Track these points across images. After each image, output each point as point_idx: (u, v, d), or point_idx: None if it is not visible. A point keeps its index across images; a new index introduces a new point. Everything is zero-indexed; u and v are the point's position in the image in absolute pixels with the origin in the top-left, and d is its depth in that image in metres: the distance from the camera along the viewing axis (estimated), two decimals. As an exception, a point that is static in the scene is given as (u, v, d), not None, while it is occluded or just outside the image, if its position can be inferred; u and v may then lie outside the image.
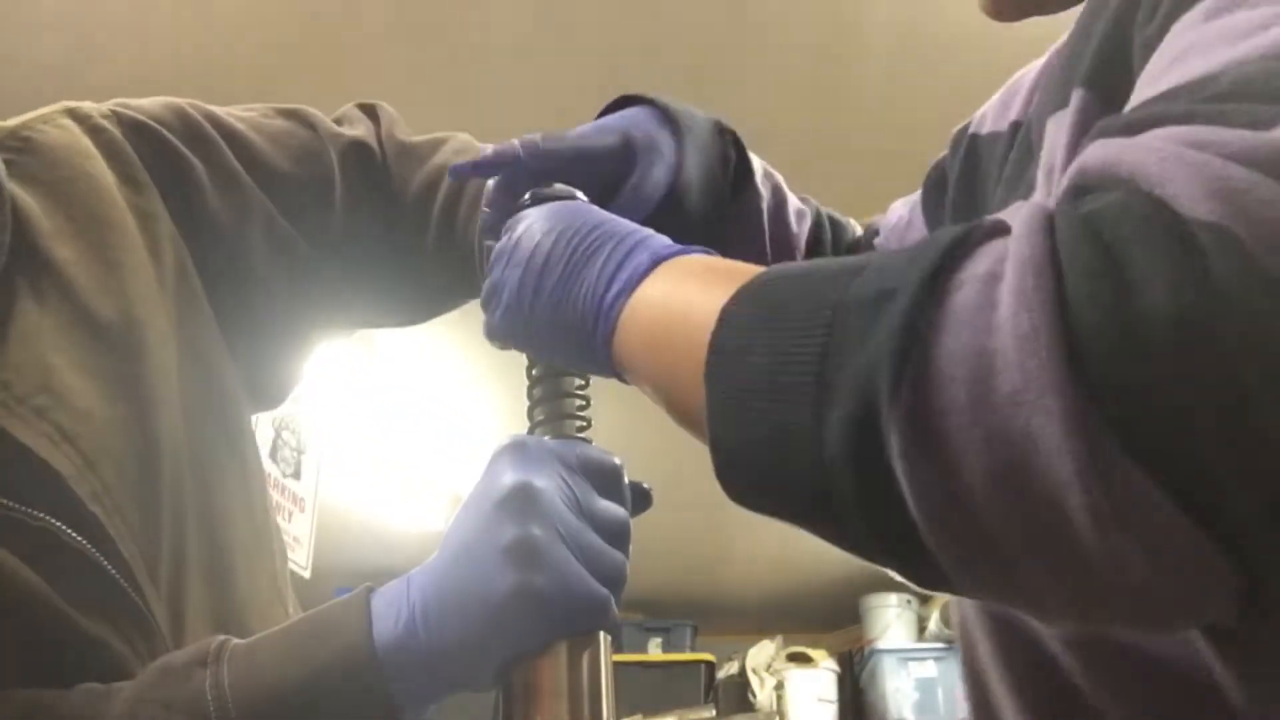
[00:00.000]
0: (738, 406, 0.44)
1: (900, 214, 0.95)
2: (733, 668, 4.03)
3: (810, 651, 4.05)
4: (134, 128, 0.78)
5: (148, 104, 0.81)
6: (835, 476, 0.39)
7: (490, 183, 0.76)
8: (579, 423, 0.65)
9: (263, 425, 2.76)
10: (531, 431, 0.65)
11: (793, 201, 0.90)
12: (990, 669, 0.66)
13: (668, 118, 0.77)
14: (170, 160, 0.78)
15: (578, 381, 0.66)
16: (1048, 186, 0.56)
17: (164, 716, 0.57)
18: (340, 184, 0.86)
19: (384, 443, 3.63)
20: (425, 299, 0.93)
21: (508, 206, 0.68)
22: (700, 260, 0.57)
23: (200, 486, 0.74)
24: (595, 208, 0.64)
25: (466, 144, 0.89)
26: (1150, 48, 0.47)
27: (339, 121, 0.90)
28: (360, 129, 0.90)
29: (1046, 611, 0.39)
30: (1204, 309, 0.32)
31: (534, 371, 0.66)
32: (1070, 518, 0.34)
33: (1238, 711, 0.47)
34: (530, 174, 0.72)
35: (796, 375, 0.40)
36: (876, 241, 0.95)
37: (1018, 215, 0.38)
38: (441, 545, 0.61)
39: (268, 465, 2.66)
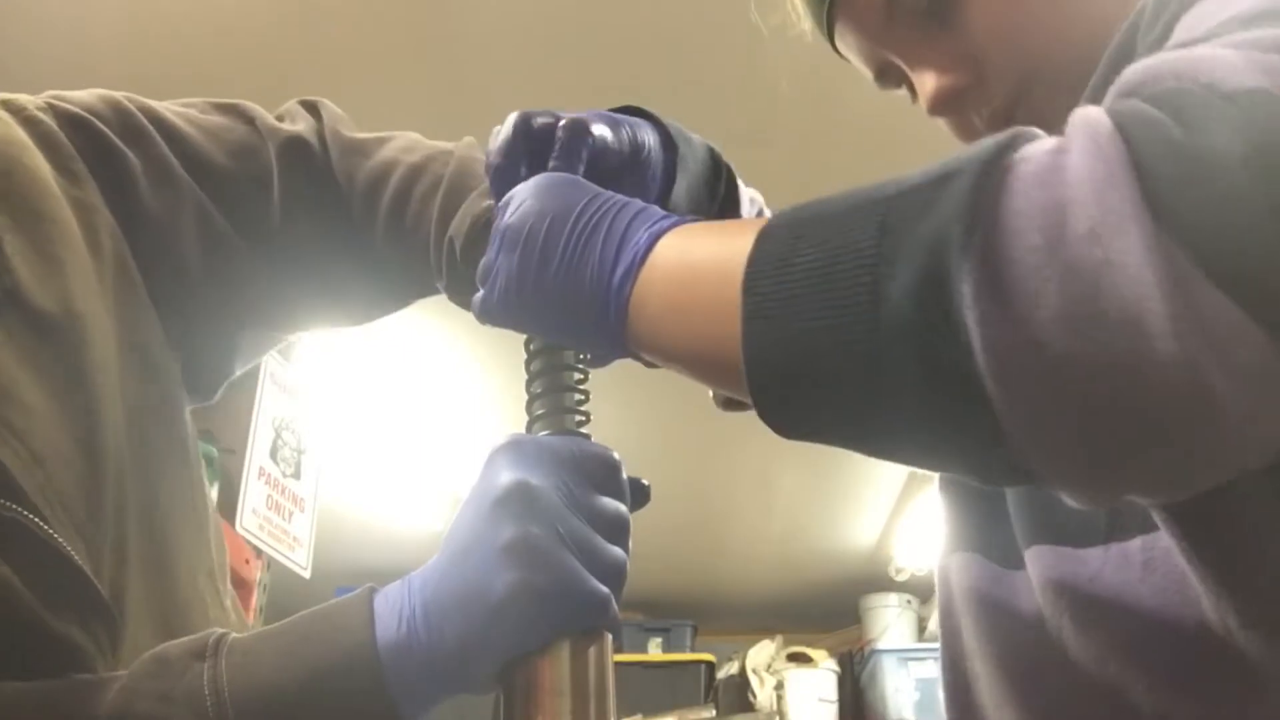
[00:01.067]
0: (783, 311, 0.45)
1: None
2: (733, 668, 4.04)
3: (810, 651, 4.05)
4: (69, 120, 0.77)
5: (83, 96, 0.80)
6: (896, 347, 0.41)
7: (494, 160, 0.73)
8: (578, 418, 0.64)
9: (263, 425, 2.76)
10: (530, 427, 0.65)
11: None
12: (975, 652, 0.66)
13: (667, 138, 0.74)
14: (104, 152, 0.77)
15: (576, 376, 0.65)
16: None
17: (160, 708, 0.57)
18: (278, 180, 0.84)
19: (384, 443, 3.63)
20: (376, 296, 0.91)
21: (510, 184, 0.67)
22: (702, 223, 0.58)
23: (142, 480, 0.73)
24: (583, 180, 0.63)
25: (415, 141, 0.87)
26: (1161, 42, 0.51)
27: (280, 118, 0.89)
28: (301, 125, 0.88)
29: (1114, 456, 0.40)
30: (1257, 143, 0.37)
31: (532, 367, 0.66)
32: (1150, 331, 0.36)
33: (1252, 671, 0.50)
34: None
35: (850, 265, 0.43)
36: None
37: (1077, 115, 0.42)
38: (442, 546, 0.60)
39: (268, 465, 2.66)
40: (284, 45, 2.14)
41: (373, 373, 3.24)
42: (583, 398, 0.65)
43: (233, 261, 0.82)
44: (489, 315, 0.64)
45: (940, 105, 0.71)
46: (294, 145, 0.86)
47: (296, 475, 2.91)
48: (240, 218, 0.83)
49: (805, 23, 0.79)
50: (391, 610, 0.59)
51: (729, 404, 0.79)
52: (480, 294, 0.64)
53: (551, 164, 0.66)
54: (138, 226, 0.78)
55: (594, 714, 0.57)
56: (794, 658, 4.03)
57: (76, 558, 0.64)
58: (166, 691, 0.57)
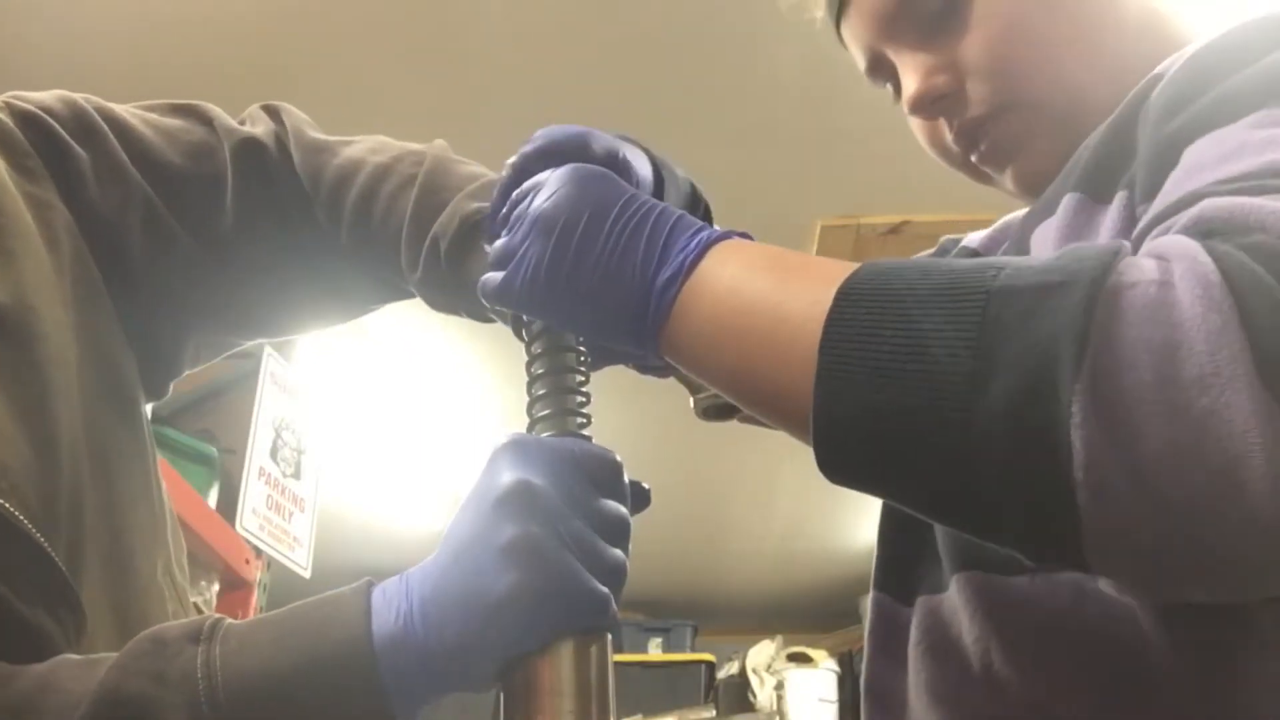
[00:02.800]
0: (866, 381, 0.47)
1: None
2: (733, 668, 4.04)
3: (810, 651, 4.05)
4: (23, 117, 0.78)
5: (40, 95, 0.81)
6: (991, 442, 0.43)
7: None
8: (579, 419, 0.64)
9: (263, 425, 2.75)
10: (531, 428, 0.65)
11: None
12: (905, 682, 0.69)
13: (656, 171, 0.76)
14: (57, 149, 0.78)
15: (578, 377, 0.65)
16: None
17: (153, 689, 0.57)
18: (232, 181, 0.84)
19: (384, 443, 3.63)
20: (339, 300, 0.91)
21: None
22: (754, 247, 0.58)
23: (99, 473, 0.73)
24: (617, 177, 0.63)
25: (382, 142, 0.86)
26: (1175, 144, 0.55)
27: (241, 121, 0.89)
28: (259, 127, 0.87)
29: (1186, 579, 0.44)
30: None
31: (533, 368, 0.66)
32: (1246, 485, 0.40)
33: (1168, 679, 0.54)
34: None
35: (945, 353, 0.45)
36: None
37: (1159, 242, 0.46)
38: (441, 544, 0.60)
39: (268, 465, 2.66)
40: (284, 45, 2.14)
41: (373, 373, 3.24)
42: (584, 399, 0.65)
43: (181, 262, 0.82)
44: (507, 297, 0.63)
45: (918, 105, 0.74)
46: (250, 146, 0.85)
47: (296, 475, 2.91)
48: (192, 219, 0.82)
49: (819, 7, 0.81)
50: (389, 605, 0.59)
51: (711, 414, 0.80)
52: (499, 275, 0.63)
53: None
54: (89, 223, 0.78)
55: (594, 714, 0.57)
56: (794, 658, 4.03)
57: (47, 546, 0.64)
58: (160, 672, 0.58)
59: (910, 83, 0.74)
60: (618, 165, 0.67)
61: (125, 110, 0.84)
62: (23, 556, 0.64)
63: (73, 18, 2.06)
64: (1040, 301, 0.44)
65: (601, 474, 0.61)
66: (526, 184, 0.65)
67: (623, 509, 0.62)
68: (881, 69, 0.78)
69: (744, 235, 0.60)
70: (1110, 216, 0.60)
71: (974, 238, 0.86)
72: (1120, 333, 0.42)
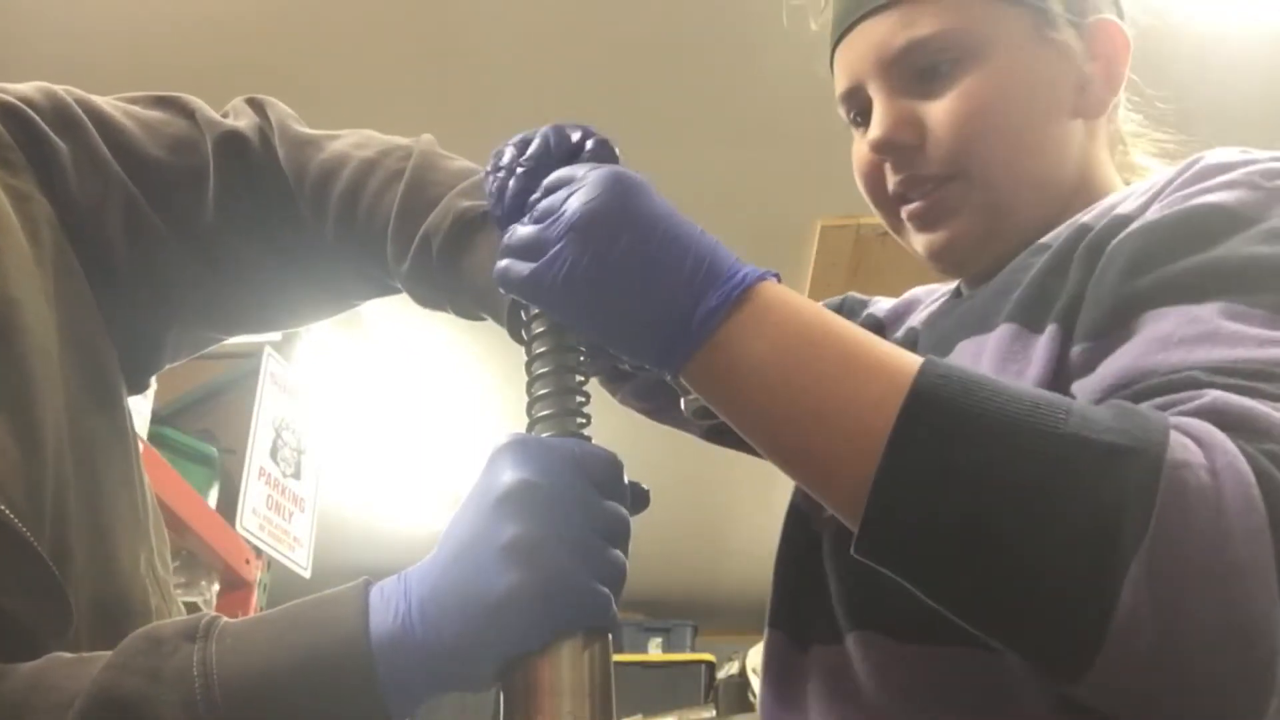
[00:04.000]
0: (931, 486, 0.52)
1: None
2: (733, 668, 4.03)
3: (810, 651, 4.04)
4: (4, 110, 0.77)
5: (21, 87, 0.80)
6: (1054, 569, 0.50)
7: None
8: (580, 419, 0.64)
9: (263, 425, 2.75)
10: (531, 428, 0.64)
11: None
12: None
13: None
14: (37, 141, 0.77)
15: (578, 379, 0.65)
16: None
17: (148, 687, 0.57)
18: (214, 174, 0.82)
19: (384, 443, 3.63)
20: (322, 296, 0.89)
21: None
22: (801, 299, 0.60)
23: (83, 466, 0.72)
24: (653, 189, 0.63)
25: (368, 136, 0.85)
26: (1135, 305, 0.61)
27: (225, 115, 0.88)
28: (243, 120, 0.86)
29: (1174, 705, 0.51)
30: None
31: (534, 368, 0.65)
32: (1257, 656, 0.49)
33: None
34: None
35: (1022, 476, 0.50)
36: None
37: (1189, 425, 0.52)
38: (440, 543, 0.60)
39: (268, 465, 2.66)
40: (284, 45, 2.14)
41: (373, 373, 3.24)
42: (585, 399, 0.65)
43: (161, 255, 0.81)
44: (533, 292, 0.62)
45: (881, 147, 0.79)
46: (233, 140, 0.84)
47: (296, 475, 2.91)
48: (173, 212, 0.81)
49: (826, 13, 0.85)
50: (387, 604, 0.59)
51: (702, 414, 0.80)
52: (526, 266, 0.61)
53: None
54: (68, 215, 0.77)
55: (594, 714, 0.57)
56: (794, 658, 4.03)
57: (33, 540, 0.64)
58: (155, 670, 0.57)
59: (882, 123, 0.78)
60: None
61: (106, 102, 0.83)
62: (8, 551, 0.63)
63: (72, 18, 2.06)
64: (1113, 461, 0.50)
65: (602, 474, 0.61)
66: (555, 175, 0.65)
67: (623, 509, 0.61)
68: (856, 99, 0.82)
69: (776, 275, 0.61)
70: (1042, 346, 0.67)
71: (880, 306, 0.94)
72: (1179, 514, 0.48)
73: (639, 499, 0.64)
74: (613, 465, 0.62)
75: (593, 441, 0.63)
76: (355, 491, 3.87)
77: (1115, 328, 0.62)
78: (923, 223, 0.80)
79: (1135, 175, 0.84)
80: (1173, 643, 0.48)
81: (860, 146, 0.82)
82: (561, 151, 0.68)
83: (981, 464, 0.51)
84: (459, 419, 3.46)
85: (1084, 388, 0.62)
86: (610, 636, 0.59)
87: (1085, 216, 0.73)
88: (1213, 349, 0.57)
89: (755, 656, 4.00)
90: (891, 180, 0.80)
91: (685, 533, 3.93)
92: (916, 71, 0.77)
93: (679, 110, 2.29)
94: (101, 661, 0.58)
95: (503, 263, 0.63)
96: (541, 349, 0.65)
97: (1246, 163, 0.66)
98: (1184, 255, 0.62)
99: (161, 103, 0.86)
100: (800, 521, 0.81)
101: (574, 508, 0.58)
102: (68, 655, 0.61)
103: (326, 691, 0.58)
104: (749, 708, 3.85)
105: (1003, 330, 0.70)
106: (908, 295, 0.94)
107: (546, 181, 0.65)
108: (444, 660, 0.58)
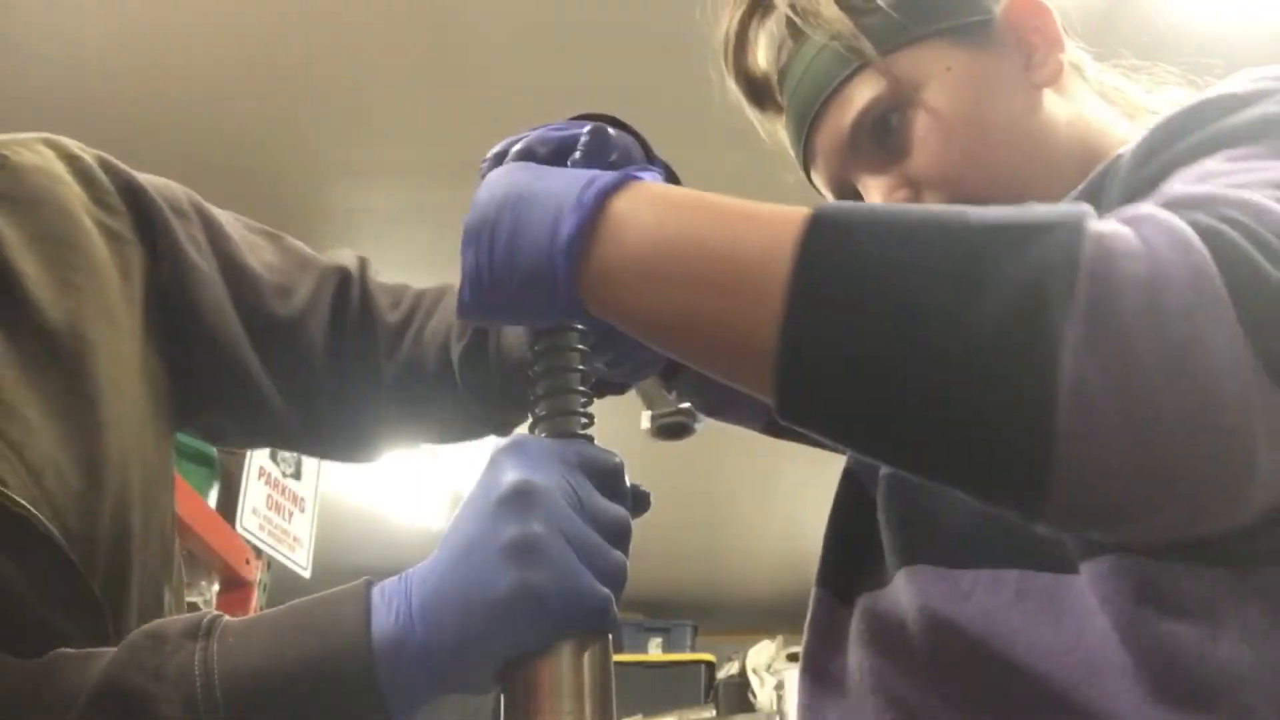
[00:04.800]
0: (842, 309, 0.48)
1: None
2: (733, 668, 4.04)
3: (810, 651, 4.04)
4: (107, 165, 0.81)
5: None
6: (975, 363, 0.45)
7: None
8: (582, 420, 0.64)
9: (263, 425, 2.75)
10: (533, 429, 0.64)
11: None
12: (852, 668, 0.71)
13: (648, 154, 0.76)
14: (136, 196, 0.81)
15: (580, 378, 0.65)
16: None
17: (150, 684, 0.57)
18: (316, 312, 0.87)
19: (384, 443, 3.62)
20: (390, 431, 0.94)
21: None
22: (664, 187, 0.59)
23: (144, 506, 0.75)
24: (531, 164, 0.63)
25: (442, 289, 0.90)
26: (1152, 181, 0.58)
27: (326, 254, 0.93)
28: (347, 259, 0.92)
29: (1158, 497, 0.46)
30: None
31: (535, 368, 0.65)
32: (1222, 402, 0.44)
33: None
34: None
35: (932, 276, 0.46)
36: None
37: (1121, 211, 0.49)
38: (441, 544, 0.60)
39: (268, 465, 2.67)
40: (288, 49, 2.14)
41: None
42: (586, 400, 0.65)
43: (239, 368, 0.84)
44: (463, 313, 0.63)
45: None
46: (336, 272, 0.89)
47: (296, 475, 2.91)
48: (264, 343, 0.85)
49: (791, 158, 0.90)
50: (388, 605, 0.59)
51: (664, 434, 0.83)
52: (464, 294, 0.62)
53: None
54: (162, 266, 0.81)
55: (594, 714, 0.57)
56: (794, 658, 4.03)
57: (80, 566, 0.66)
58: (157, 668, 0.58)
59: (873, 200, 0.81)
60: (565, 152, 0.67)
61: (219, 211, 0.88)
62: (59, 575, 0.66)
63: (73, 18, 2.06)
64: (1028, 235, 0.46)
65: (603, 475, 0.61)
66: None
67: (624, 511, 0.62)
68: (847, 197, 0.85)
69: (652, 169, 0.61)
70: None
71: None
72: (1109, 266, 0.45)
73: (640, 501, 0.65)
74: (614, 466, 0.62)
75: (595, 442, 0.63)
76: (355, 491, 3.87)
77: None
78: None
79: (1149, 114, 0.83)
80: (1129, 401, 0.43)
81: None
82: (548, 151, 0.68)
83: (888, 271, 0.47)
84: (459, 419, 3.46)
85: None
86: (610, 637, 0.59)
87: (1123, 148, 0.71)
88: (1200, 184, 0.54)
89: (755, 656, 4.01)
90: None
91: (685, 533, 3.93)
92: (875, 141, 0.80)
93: (679, 110, 2.29)
94: (107, 658, 0.59)
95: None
96: (542, 349, 0.65)
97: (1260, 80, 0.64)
98: (1187, 135, 0.61)
99: (268, 235, 0.91)
100: (854, 483, 0.80)
101: (575, 508, 0.58)
102: (74, 651, 0.61)
103: (326, 692, 0.58)
104: (749, 708, 3.85)
105: None
106: None
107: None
108: (444, 661, 0.58)
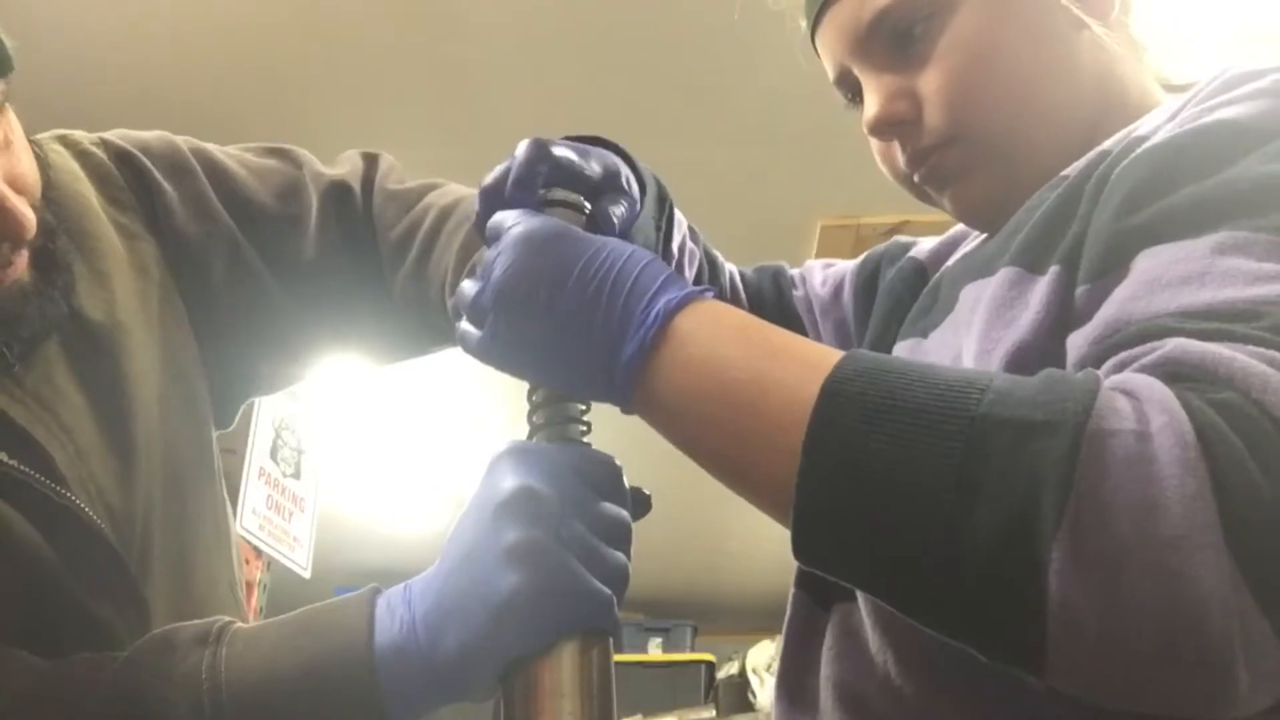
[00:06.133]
0: (849, 487, 0.49)
1: (824, 283, 0.99)
2: (733, 668, 4.04)
3: (810, 651, 4.04)
4: (118, 154, 0.84)
5: (141, 134, 0.87)
6: (968, 571, 0.46)
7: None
8: (580, 426, 0.64)
9: (263, 425, 2.75)
10: (532, 435, 0.65)
11: (690, 249, 0.90)
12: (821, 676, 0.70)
13: (634, 171, 0.75)
14: (147, 185, 0.84)
15: None
16: (956, 340, 0.67)
17: (159, 687, 0.59)
18: (316, 219, 0.89)
19: (384, 443, 3.63)
20: (390, 342, 0.96)
21: (497, 205, 0.67)
22: (722, 312, 0.59)
23: (171, 485, 0.78)
24: (570, 230, 0.62)
25: (457, 192, 0.89)
26: (1130, 245, 0.56)
27: (334, 165, 0.95)
28: (346, 169, 0.94)
29: (1132, 702, 0.47)
30: None
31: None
32: (1209, 639, 0.44)
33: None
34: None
35: (932, 472, 0.47)
36: (796, 295, 0.99)
37: (1131, 381, 0.48)
38: (443, 552, 0.61)
39: (268, 465, 2.67)
40: (290, 46, 2.14)
41: (372, 372, 3.24)
42: (585, 406, 0.65)
43: (261, 295, 0.88)
44: (486, 358, 0.63)
45: (876, 128, 0.76)
46: (336, 188, 0.91)
47: (296, 475, 2.92)
48: (273, 254, 0.88)
49: (800, 15, 0.83)
50: (391, 613, 0.60)
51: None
52: (476, 333, 0.62)
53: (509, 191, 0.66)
54: (173, 253, 0.84)
55: (595, 715, 0.57)
56: (794, 658, 4.03)
57: (121, 551, 0.70)
58: (168, 671, 0.60)
59: (872, 104, 0.76)
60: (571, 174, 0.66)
61: (220, 150, 0.90)
62: (102, 563, 0.70)
63: (72, 18, 2.06)
64: (1024, 440, 0.46)
65: (602, 479, 0.61)
66: (494, 220, 0.64)
67: (624, 513, 0.62)
68: (846, 83, 0.81)
69: (709, 288, 0.60)
70: (1041, 289, 0.62)
71: (923, 248, 0.89)
72: (1101, 486, 0.44)
73: (641, 503, 0.65)
74: (612, 469, 0.62)
75: (592, 447, 0.64)
76: (355, 492, 3.87)
77: (1113, 268, 0.57)
78: (937, 186, 0.77)
79: (1172, 87, 0.78)
80: (1114, 629, 0.44)
81: (872, 143, 0.80)
82: (529, 172, 0.67)
83: (890, 462, 0.48)
84: (459, 417, 3.46)
85: (1076, 340, 0.57)
86: (611, 639, 0.59)
87: (1108, 141, 0.67)
88: (1198, 291, 0.52)
89: (755, 656, 4.01)
90: (901, 157, 0.78)
91: (685, 533, 3.93)
92: (892, 42, 0.75)
93: (679, 109, 2.30)
94: (120, 660, 0.61)
95: (459, 324, 0.64)
96: None
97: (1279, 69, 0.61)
98: (1186, 183, 0.57)
99: (273, 153, 0.94)
100: None
101: (574, 511, 0.59)
102: (89, 655, 0.64)
103: (329, 699, 0.59)
104: (749, 708, 3.85)
105: (1002, 275, 0.65)
106: (953, 231, 0.88)
107: (489, 225, 0.65)
108: (446, 668, 0.58)
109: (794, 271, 1.02)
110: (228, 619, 0.63)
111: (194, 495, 0.82)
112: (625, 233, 0.69)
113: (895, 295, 0.85)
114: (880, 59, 0.76)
